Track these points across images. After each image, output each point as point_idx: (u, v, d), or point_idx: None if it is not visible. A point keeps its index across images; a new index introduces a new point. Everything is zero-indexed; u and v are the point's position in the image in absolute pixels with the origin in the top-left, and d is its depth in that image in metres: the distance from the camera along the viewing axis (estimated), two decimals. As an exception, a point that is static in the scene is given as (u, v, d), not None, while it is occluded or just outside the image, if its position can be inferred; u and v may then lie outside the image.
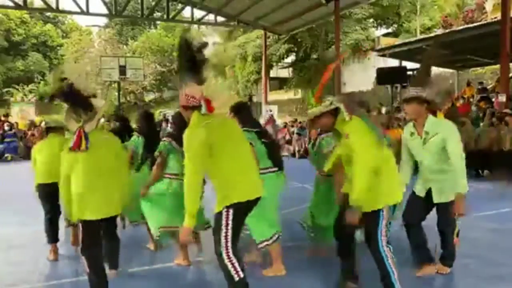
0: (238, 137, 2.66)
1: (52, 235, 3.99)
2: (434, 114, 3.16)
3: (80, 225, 2.83)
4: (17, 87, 34.42)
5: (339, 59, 2.61)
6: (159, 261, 3.78)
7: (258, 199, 2.61)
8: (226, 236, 2.45)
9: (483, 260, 3.61)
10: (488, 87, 14.93)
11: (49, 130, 4.07)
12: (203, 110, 2.58)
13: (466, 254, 3.76)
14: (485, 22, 14.15)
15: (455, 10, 23.74)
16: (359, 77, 23.45)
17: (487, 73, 18.04)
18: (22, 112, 20.75)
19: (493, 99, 11.79)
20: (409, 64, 14.95)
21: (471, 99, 13.18)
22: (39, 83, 36.96)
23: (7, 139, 15.02)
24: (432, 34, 15.21)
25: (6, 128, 15.42)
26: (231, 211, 2.46)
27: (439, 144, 3.03)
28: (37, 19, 43.62)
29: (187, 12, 21.14)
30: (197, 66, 2.62)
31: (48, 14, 42.33)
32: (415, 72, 13.07)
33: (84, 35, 43.68)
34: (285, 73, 32.26)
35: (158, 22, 40.16)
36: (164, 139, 3.60)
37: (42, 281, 3.38)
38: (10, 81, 37.37)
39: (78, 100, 2.93)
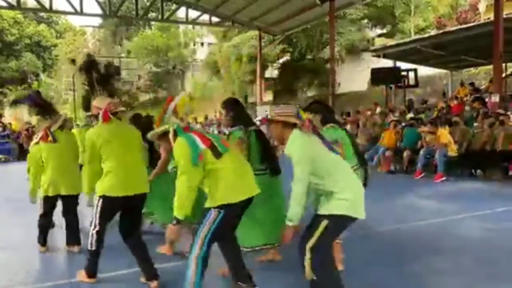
0: (127, 141, 3.17)
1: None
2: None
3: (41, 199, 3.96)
4: (10, 87, 34.18)
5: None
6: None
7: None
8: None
9: (478, 259, 3.64)
10: (482, 87, 15.03)
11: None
12: (100, 118, 3.14)
13: (461, 253, 3.78)
14: (478, 22, 14.26)
15: (448, 11, 23.90)
16: (354, 77, 23.53)
17: (481, 74, 18.18)
18: (15, 113, 20.60)
19: (486, 99, 11.88)
20: (403, 65, 15.02)
21: (465, 99, 13.26)
22: (32, 83, 36.74)
23: (0, 140, 14.91)
24: (426, 35, 15.28)
25: (-1, 129, 15.33)
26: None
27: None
28: (30, 19, 43.34)
29: (182, 12, 21.07)
30: (106, 81, 3.25)
31: (41, 14, 42.08)
32: (409, 72, 13.17)
33: (78, 35, 43.48)
34: (280, 73, 32.27)
35: (152, 22, 40.05)
36: None
37: (37, 282, 3.36)
38: (4, 82, 37.08)
39: (43, 107, 3.89)
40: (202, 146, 2.57)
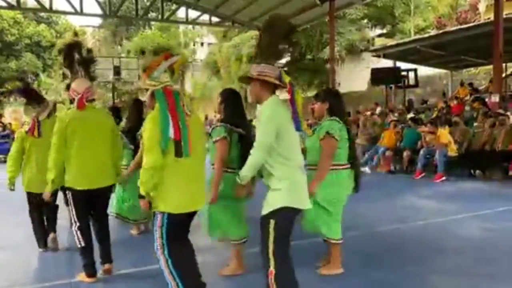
0: (95, 131, 3.08)
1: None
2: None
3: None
4: (10, 87, 34.13)
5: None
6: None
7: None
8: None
9: (478, 259, 3.63)
10: (481, 87, 15.02)
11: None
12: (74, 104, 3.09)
13: (461, 253, 3.78)
14: (478, 23, 14.25)
15: (448, 11, 23.89)
16: (354, 77, 23.52)
17: (481, 74, 18.17)
18: (15, 113, 20.60)
19: (486, 99, 11.87)
20: (403, 65, 15.01)
21: (465, 99, 13.26)
22: (32, 83, 36.73)
23: (0, 140, 14.90)
24: (426, 35, 15.27)
25: (-1, 129, 15.31)
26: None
27: None
28: (30, 19, 43.31)
29: (182, 12, 21.06)
30: (87, 64, 3.16)
31: (41, 14, 42.06)
32: (409, 72, 13.16)
33: (78, 35, 43.42)
34: (280, 73, 32.25)
35: (152, 22, 40.03)
36: None
37: (37, 282, 3.35)
38: (3, 82, 37.09)
39: (32, 96, 3.95)
40: (171, 135, 2.39)
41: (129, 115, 4.43)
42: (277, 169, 2.38)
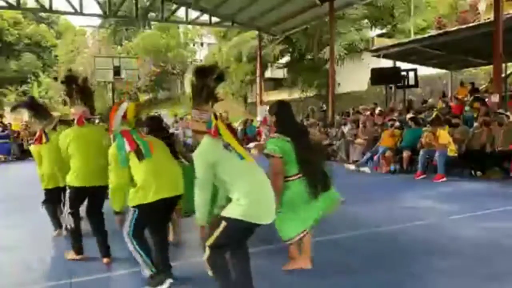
0: (91, 141, 3.67)
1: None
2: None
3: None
4: (10, 87, 34.16)
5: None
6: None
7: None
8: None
9: (478, 258, 3.64)
10: (481, 87, 15.03)
11: (60, 122, 4.70)
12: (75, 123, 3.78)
13: (460, 253, 3.78)
14: (478, 23, 14.25)
15: (448, 11, 23.92)
16: (354, 77, 23.53)
17: (481, 74, 18.18)
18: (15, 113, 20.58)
19: (486, 100, 11.87)
20: (403, 65, 15.01)
21: (465, 99, 13.26)
22: (32, 83, 36.71)
23: (0, 140, 14.90)
24: (426, 35, 15.28)
25: (-1, 129, 15.31)
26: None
27: None
28: (30, 19, 43.34)
29: (181, 12, 21.07)
30: (83, 93, 3.79)
31: (41, 14, 42.08)
32: (409, 72, 13.16)
33: (78, 35, 43.46)
34: (280, 73, 32.27)
35: (152, 22, 40.01)
36: None
37: (37, 282, 3.36)
38: (3, 82, 37.09)
39: (38, 110, 4.38)
40: (127, 148, 2.99)
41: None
42: (236, 193, 2.57)
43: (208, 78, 2.72)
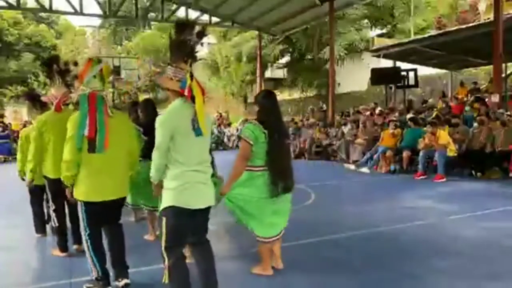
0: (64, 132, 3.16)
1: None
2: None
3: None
4: (10, 87, 34.12)
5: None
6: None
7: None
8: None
9: (477, 258, 3.64)
10: (481, 87, 15.03)
11: None
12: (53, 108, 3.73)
13: (460, 253, 3.78)
14: (478, 23, 14.25)
15: (448, 11, 23.91)
16: (354, 77, 23.52)
17: (481, 74, 18.17)
18: (15, 113, 20.58)
19: (486, 100, 11.87)
20: (403, 65, 15.01)
21: (465, 99, 13.26)
22: (32, 84, 36.68)
23: (0, 141, 14.89)
24: (426, 35, 15.27)
25: (-1, 129, 15.30)
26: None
27: None
28: (30, 19, 43.29)
29: (181, 12, 21.06)
30: (64, 74, 3.69)
31: (41, 14, 42.05)
32: (409, 72, 13.16)
33: (78, 35, 43.44)
34: (280, 73, 32.24)
35: (152, 22, 39.98)
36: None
37: (37, 282, 3.36)
38: (3, 82, 37.06)
39: (36, 100, 4.22)
40: (86, 132, 2.83)
41: (145, 111, 4.36)
42: (170, 170, 2.51)
43: (188, 33, 2.58)
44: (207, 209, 2.61)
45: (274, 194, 3.14)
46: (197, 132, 2.49)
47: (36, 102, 4.32)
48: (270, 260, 3.35)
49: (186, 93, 2.48)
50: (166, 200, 2.51)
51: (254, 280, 3.25)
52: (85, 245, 3.00)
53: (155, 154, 2.52)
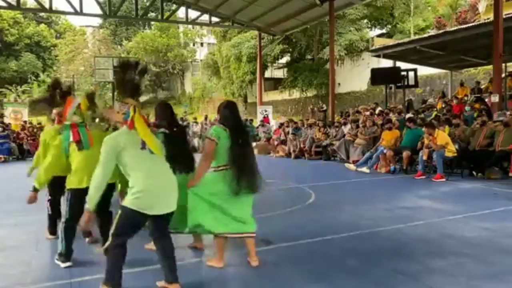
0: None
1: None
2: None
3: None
4: (10, 87, 34.13)
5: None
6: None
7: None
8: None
9: (477, 259, 3.64)
10: (481, 87, 15.04)
11: None
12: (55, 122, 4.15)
13: (460, 253, 3.78)
14: (478, 23, 14.26)
15: (448, 11, 23.93)
16: (354, 77, 23.54)
17: (480, 74, 18.19)
18: (15, 113, 20.57)
19: (486, 99, 11.88)
20: (403, 65, 15.03)
21: (465, 99, 13.27)
22: (32, 83, 36.65)
23: (0, 141, 14.88)
24: (426, 35, 15.28)
25: (-1, 129, 15.28)
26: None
27: None
28: (30, 19, 43.29)
29: (181, 12, 21.06)
30: (54, 99, 3.89)
31: (41, 14, 42.04)
32: (409, 72, 13.17)
33: (78, 35, 43.44)
34: (280, 73, 32.25)
35: (152, 22, 40.00)
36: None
37: (36, 283, 3.36)
38: (3, 82, 37.07)
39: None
40: (71, 139, 3.53)
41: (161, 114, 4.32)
42: (130, 180, 2.84)
43: (131, 72, 2.93)
44: (167, 214, 2.91)
45: (235, 191, 3.30)
46: (150, 151, 2.84)
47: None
48: (224, 252, 3.51)
49: (128, 124, 2.84)
50: (127, 200, 2.80)
51: (255, 280, 3.25)
52: (61, 226, 3.58)
53: (97, 172, 2.81)
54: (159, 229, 2.98)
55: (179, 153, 3.63)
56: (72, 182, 3.53)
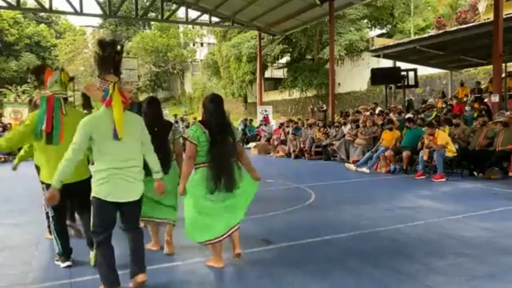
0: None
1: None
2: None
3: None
4: (10, 87, 34.11)
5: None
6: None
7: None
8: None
9: (476, 258, 3.64)
10: (481, 87, 15.05)
11: None
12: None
13: (460, 253, 3.78)
14: (478, 23, 14.26)
15: (448, 11, 23.93)
16: (354, 77, 23.54)
17: (480, 74, 18.20)
18: (15, 113, 20.54)
19: (485, 100, 11.88)
20: (403, 65, 15.04)
21: (465, 99, 13.27)
22: (32, 83, 36.67)
23: (-1, 140, 14.89)
24: (426, 35, 15.28)
25: (-2, 129, 15.29)
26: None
27: None
28: (30, 19, 43.29)
29: (181, 12, 21.07)
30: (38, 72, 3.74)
31: (41, 14, 42.04)
32: (409, 72, 13.18)
33: (78, 35, 43.45)
34: (280, 73, 32.25)
35: (152, 22, 39.98)
36: None
37: (36, 283, 3.36)
38: (3, 82, 37.05)
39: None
40: (43, 127, 3.32)
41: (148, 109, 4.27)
42: (96, 165, 2.87)
43: (110, 49, 2.93)
44: (133, 203, 2.92)
45: (212, 190, 3.31)
46: (115, 136, 2.80)
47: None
48: (221, 252, 3.50)
49: (106, 102, 2.82)
50: (93, 190, 2.87)
51: (255, 280, 3.25)
52: (51, 225, 3.52)
53: (69, 151, 2.78)
54: (125, 221, 3.01)
55: (156, 150, 3.40)
56: (43, 176, 3.45)
